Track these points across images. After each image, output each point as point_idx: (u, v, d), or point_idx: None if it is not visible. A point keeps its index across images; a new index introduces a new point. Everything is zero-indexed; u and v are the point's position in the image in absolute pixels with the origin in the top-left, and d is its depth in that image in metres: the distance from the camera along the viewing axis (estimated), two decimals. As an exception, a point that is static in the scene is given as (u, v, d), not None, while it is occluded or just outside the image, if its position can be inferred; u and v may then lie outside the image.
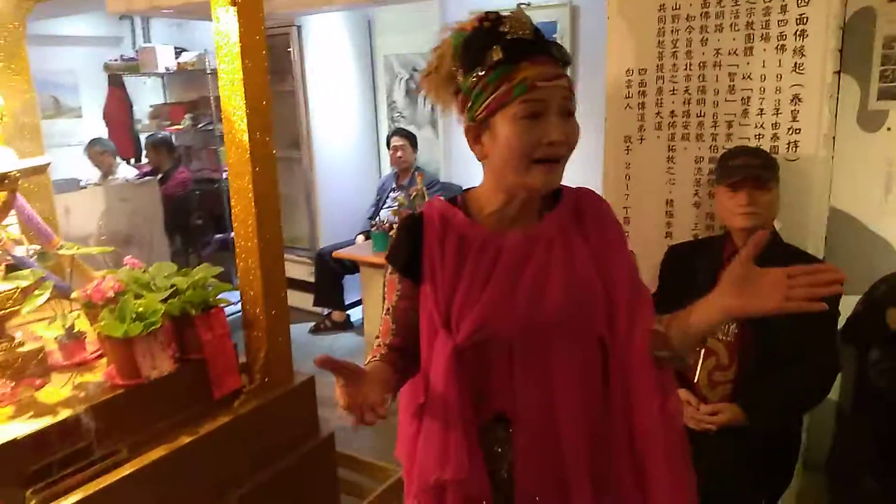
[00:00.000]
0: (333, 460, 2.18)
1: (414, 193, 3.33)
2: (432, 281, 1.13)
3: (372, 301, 3.57)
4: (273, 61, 4.44)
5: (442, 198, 1.21)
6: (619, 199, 2.38)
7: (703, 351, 1.91)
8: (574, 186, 1.21)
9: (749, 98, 2.09)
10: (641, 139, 2.30)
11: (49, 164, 1.88)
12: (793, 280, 0.97)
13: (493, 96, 1.05)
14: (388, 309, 1.21)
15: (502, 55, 1.04)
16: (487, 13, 1.09)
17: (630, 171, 2.35)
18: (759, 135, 2.09)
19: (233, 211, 1.97)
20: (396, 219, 3.40)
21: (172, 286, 1.93)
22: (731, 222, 1.90)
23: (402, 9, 4.44)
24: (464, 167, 4.43)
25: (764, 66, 2.05)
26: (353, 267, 4.02)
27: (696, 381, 1.91)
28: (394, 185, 4.23)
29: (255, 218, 1.93)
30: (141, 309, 1.80)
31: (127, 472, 1.63)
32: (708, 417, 1.81)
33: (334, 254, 3.84)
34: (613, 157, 2.38)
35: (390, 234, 3.30)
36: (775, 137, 2.07)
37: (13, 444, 1.51)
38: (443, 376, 1.11)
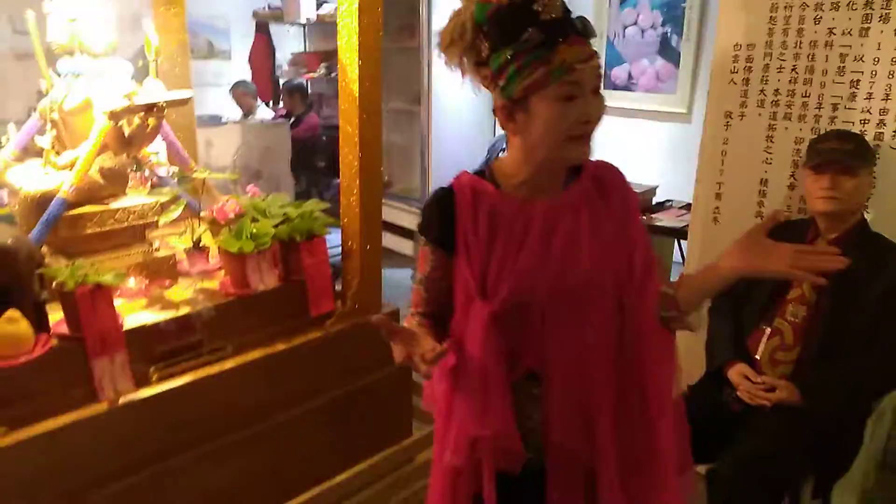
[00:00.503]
0: (408, 387, 2.40)
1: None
2: (467, 252, 1.19)
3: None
4: (402, 18, 4.65)
5: (469, 171, 1.26)
6: (712, 174, 2.39)
7: (768, 329, 1.94)
8: (593, 159, 1.24)
9: (858, 81, 2.03)
10: (742, 116, 2.29)
11: (191, 98, 2.17)
12: (800, 253, 1.07)
13: (531, 78, 1.08)
14: (421, 279, 1.28)
15: (540, 38, 1.07)
16: None
17: (727, 146, 2.35)
18: (865, 120, 2.03)
19: (340, 153, 2.18)
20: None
21: (284, 215, 2.19)
22: (812, 205, 1.89)
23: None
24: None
25: (879, 49, 1.99)
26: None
27: (757, 357, 1.94)
28: (504, 147, 4.34)
29: (359, 161, 2.13)
30: (255, 231, 2.07)
31: (229, 367, 1.92)
32: (763, 393, 1.85)
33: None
34: (712, 131, 2.38)
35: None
36: (881, 124, 2.01)
37: (143, 329, 1.82)
38: (481, 341, 1.17)
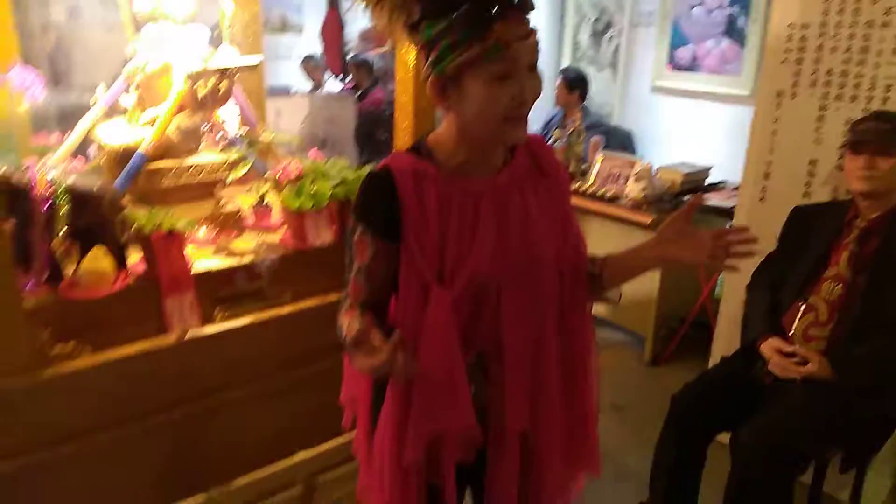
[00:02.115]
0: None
1: (571, 129, 3.49)
2: (417, 239, 1.12)
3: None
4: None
5: (405, 152, 1.20)
6: (762, 153, 2.40)
7: (803, 306, 1.97)
8: None
9: (914, 62, 2.02)
10: (794, 95, 2.30)
11: (261, 63, 2.33)
12: (718, 240, 1.15)
13: (464, 55, 1.03)
14: (360, 268, 1.19)
15: (475, 14, 1.01)
16: None
17: (778, 125, 2.36)
18: (918, 101, 2.02)
19: (395, 120, 2.31)
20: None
21: (342, 177, 2.34)
22: (850, 185, 1.91)
23: (599, -51, 4.49)
24: (636, 112, 4.46)
25: (936, 30, 1.97)
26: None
27: (791, 333, 1.98)
28: (559, 123, 4.39)
29: (412, 129, 2.25)
30: (314, 191, 2.23)
31: (286, 312, 2.09)
32: (793, 366, 1.89)
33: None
34: (763, 110, 2.39)
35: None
36: (935, 106, 1.99)
37: (209, 273, 2.00)
38: (443, 328, 1.12)
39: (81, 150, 2.37)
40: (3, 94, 2.21)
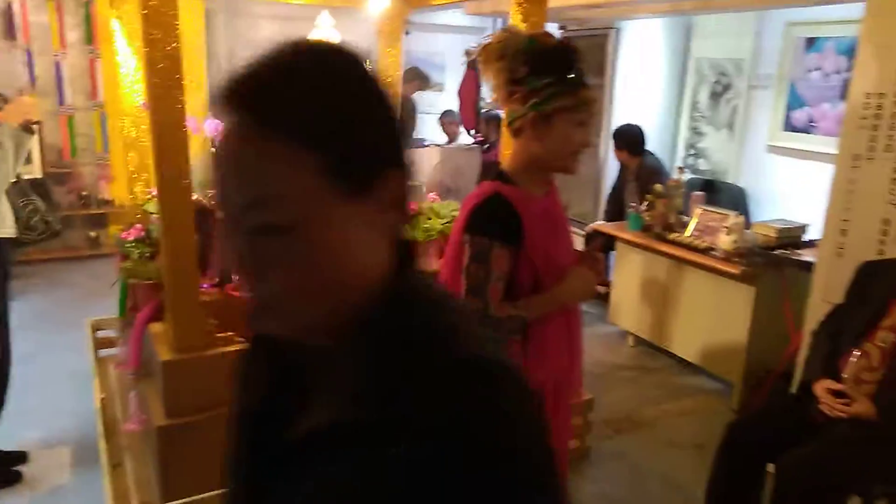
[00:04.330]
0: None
1: (672, 184, 3.73)
2: (534, 246, 1.51)
3: (620, 274, 4.06)
4: (590, 58, 5.11)
5: (498, 183, 1.55)
6: (840, 211, 2.56)
7: (858, 352, 2.11)
8: None
9: (981, 131, 2.14)
10: (870, 159, 2.45)
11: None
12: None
13: (564, 101, 1.48)
14: (499, 276, 1.49)
15: (573, 79, 1.49)
16: (550, 34, 1.56)
17: (855, 186, 2.51)
18: None
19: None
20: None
21: (452, 217, 2.78)
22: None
23: (720, 16, 4.72)
24: (752, 170, 4.58)
25: None
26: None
27: (844, 376, 2.12)
28: (618, 177, 4.61)
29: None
30: (427, 226, 2.68)
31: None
32: (841, 406, 2.04)
33: (594, 225, 4.38)
34: (843, 171, 2.56)
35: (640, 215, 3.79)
36: None
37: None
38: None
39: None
40: (198, 141, 2.87)
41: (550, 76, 1.48)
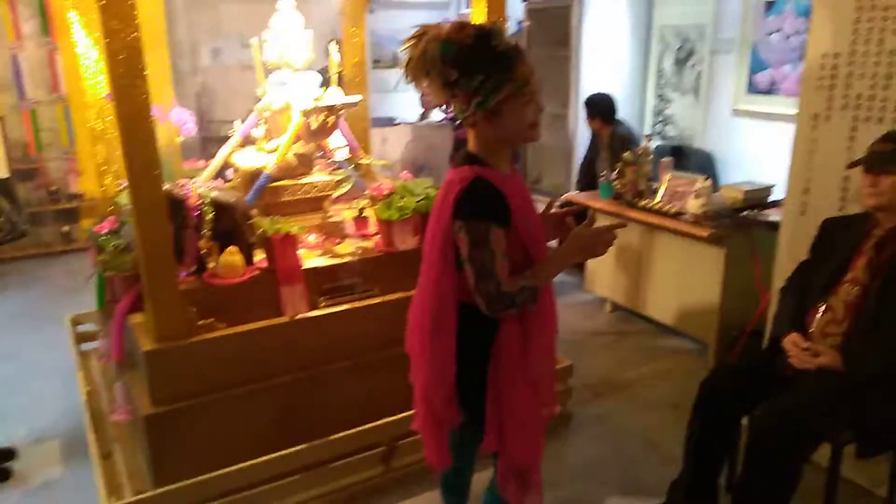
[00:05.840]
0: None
1: (640, 151, 3.80)
2: (521, 222, 1.58)
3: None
4: (555, 30, 5.11)
5: (473, 166, 1.57)
6: (802, 171, 2.63)
7: (823, 306, 2.19)
8: None
9: (933, 86, 2.21)
10: (828, 118, 2.52)
11: (359, 101, 2.84)
12: (600, 237, 1.65)
13: (503, 94, 1.50)
14: (503, 255, 1.54)
15: (504, 64, 1.49)
16: (463, 25, 1.49)
17: (815, 146, 2.58)
18: (938, 122, 2.21)
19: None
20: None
21: (426, 194, 2.80)
22: (861, 201, 2.13)
23: (682, -18, 4.76)
24: (719, 134, 4.66)
25: (953, 57, 2.16)
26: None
27: (811, 330, 2.20)
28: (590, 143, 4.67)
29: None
30: (401, 204, 2.70)
31: (376, 303, 2.56)
32: (808, 357, 2.12)
33: (567, 196, 4.43)
34: (803, 131, 2.63)
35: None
36: (953, 125, 2.18)
37: (316, 269, 2.51)
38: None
39: (221, 172, 2.98)
40: (165, 130, 2.85)
41: (481, 73, 1.49)
